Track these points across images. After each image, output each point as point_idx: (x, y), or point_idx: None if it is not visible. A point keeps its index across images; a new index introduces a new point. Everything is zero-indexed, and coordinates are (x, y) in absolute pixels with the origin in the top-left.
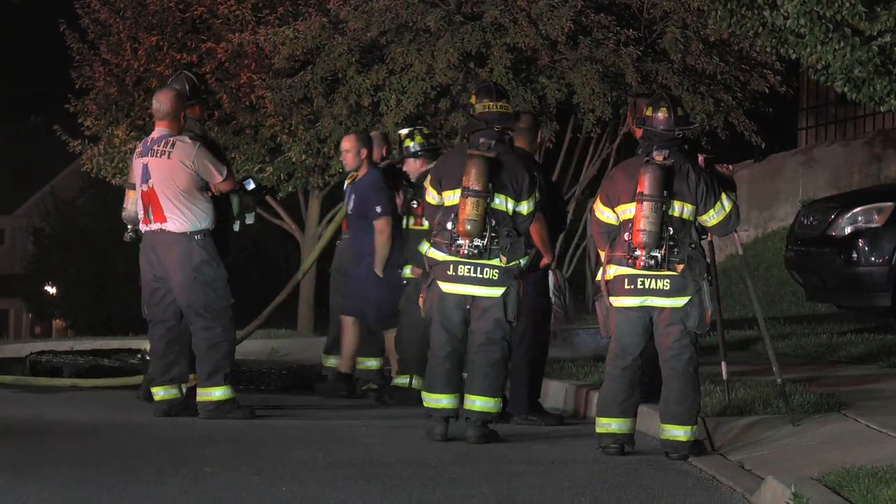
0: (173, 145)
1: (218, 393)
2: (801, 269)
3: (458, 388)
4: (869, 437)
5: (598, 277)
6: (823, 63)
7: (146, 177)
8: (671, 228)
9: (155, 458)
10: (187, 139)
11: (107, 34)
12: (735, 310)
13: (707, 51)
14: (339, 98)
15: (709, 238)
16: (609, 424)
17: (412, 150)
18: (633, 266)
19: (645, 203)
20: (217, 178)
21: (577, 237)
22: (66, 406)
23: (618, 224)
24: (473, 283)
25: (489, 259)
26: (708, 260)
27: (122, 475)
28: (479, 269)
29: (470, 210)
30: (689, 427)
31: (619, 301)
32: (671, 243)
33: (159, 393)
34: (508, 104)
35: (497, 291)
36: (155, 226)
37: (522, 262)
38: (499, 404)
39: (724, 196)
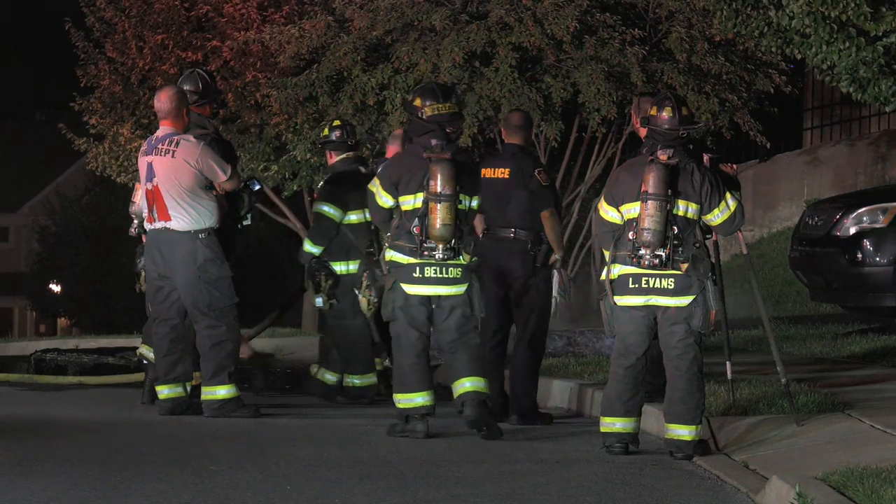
0: (177, 144)
1: (222, 391)
2: (806, 269)
3: (433, 384)
4: (873, 437)
5: (603, 277)
6: (829, 63)
7: (150, 175)
8: (676, 227)
9: (160, 457)
10: (191, 138)
11: (112, 32)
12: (739, 309)
13: (712, 50)
14: (345, 97)
15: (713, 238)
16: (613, 424)
17: (324, 139)
18: (638, 265)
19: (650, 202)
20: (221, 177)
21: (581, 236)
22: (71, 404)
23: (622, 223)
24: (439, 284)
25: (454, 258)
26: (712, 259)
27: (126, 473)
28: (444, 269)
29: (444, 215)
30: (694, 426)
31: (623, 300)
32: (675, 242)
33: (164, 391)
34: (454, 103)
35: (461, 288)
36: (159, 224)
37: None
38: (487, 384)
39: (728, 195)
